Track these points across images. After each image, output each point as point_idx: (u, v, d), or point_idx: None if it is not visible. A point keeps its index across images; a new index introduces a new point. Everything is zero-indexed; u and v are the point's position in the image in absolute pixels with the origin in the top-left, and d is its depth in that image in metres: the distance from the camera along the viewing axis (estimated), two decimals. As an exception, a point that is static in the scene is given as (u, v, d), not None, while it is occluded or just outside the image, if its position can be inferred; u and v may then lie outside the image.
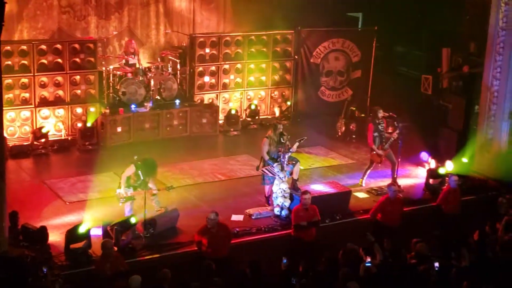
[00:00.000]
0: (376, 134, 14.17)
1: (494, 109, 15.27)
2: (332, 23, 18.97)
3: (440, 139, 16.41)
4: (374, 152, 14.26)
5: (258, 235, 12.23)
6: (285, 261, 9.90)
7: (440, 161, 14.98)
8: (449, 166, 14.78)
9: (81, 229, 11.13)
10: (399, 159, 14.40)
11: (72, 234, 11.11)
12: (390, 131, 14.61)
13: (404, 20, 19.16)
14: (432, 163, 15.00)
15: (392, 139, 14.18)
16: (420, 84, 18.75)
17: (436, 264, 9.74)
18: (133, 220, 11.51)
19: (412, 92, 18.66)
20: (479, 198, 14.33)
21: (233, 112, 17.65)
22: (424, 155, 15.61)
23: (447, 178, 13.98)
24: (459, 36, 18.10)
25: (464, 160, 15.36)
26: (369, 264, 9.64)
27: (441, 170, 14.55)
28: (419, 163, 15.66)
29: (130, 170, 12.06)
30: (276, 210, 12.85)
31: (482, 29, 15.71)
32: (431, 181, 14.46)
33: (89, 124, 16.00)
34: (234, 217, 12.61)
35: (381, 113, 14.17)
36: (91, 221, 11.77)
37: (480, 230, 11.10)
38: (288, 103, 18.63)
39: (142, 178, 11.99)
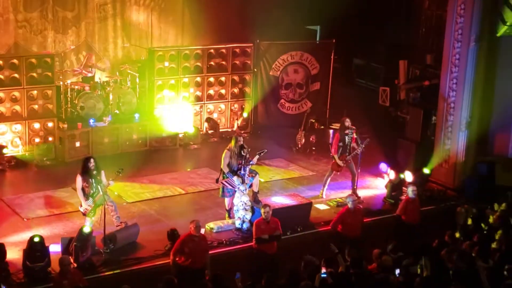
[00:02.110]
0: (340, 144, 14.26)
1: (451, 120, 15.49)
2: (290, 36, 19.09)
3: (399, 150, 16.58)
4: (334, 161, 14.34)
5: (220, 249, 12.19)
6: (238, 276, 9.84)
7: (399, 172, 15.11)
8: (408, 176, 14.93)
9: (35, 239, 10.98)
10: (359, 170, 14.51)
11: (30, 251, 10.96)
12: (353, 143, 14.66)
13: (361, 33, 19.39)
14: (391, 174, 15.14)
15: (356, 152, 14.27)
16: (378, 96, 18.98)
17: (397, 271, 9.81)
18: (86, 229, 11.35)
19: (370, 104, 18.88)
20: (438, 208, 14.48)
21: (190, 131, 17.58)
22: (383, 166, 15.74)
23: (404, 189, 14.13)
24: (416, 48, 18.39)
25: (426, 171, 15.54)
26: (325, 275, 9.67)
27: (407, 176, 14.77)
28: (379, 174, 15.79)
29: (79, 182, 11.98)
30: (237, 223, 12.83)
31: (438, 41, 15.95)
32: (392, 193, 14.61)
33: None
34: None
35: (347, 122, 14.24)
36: (49, 237, 11.64)
37: (439, 239, 11.21)
38: (245, 114, 18.63)
39: (92, 183, 11.89)
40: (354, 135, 14.35)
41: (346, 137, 14.26)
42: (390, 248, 10.93)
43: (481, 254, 10.54)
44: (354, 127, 14.38)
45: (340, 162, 14.29)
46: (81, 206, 12.08)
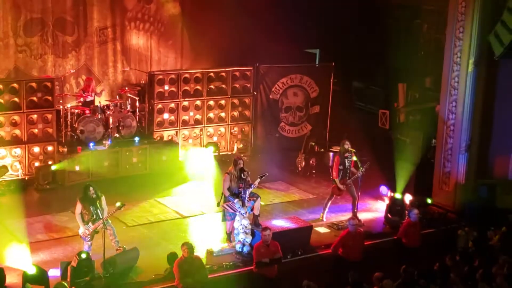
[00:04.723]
0: (341, 167, 14.24)
1: (450, 143, 15.50)
2: (290, 59, 19.15)
3: (399, 173, 16.54)
4: (335, 185, 14.32)
5: (220, 272, 12.13)
6: None
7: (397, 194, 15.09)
8: (407, 199, 14.91)
9: (30, 272, 10.97)
10: (359, 193, 14.49)
11: (28, 276, 10.93)
12: (352, 167, 14.66)
13: (360, 56, 19.45)
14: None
15: (357, 176, 14.27)
16: (378, 118, 19.00)
17: None
18: (83, 255, 11.31)
19: (370, 127, 18.86)
20: (439, 231, 14.44)
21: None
22: (383, 189, 15.73)
23: (406, 212, 14.10)
24: (415, 71, 18.43)
25: (428, 201, 15.49)
26: None
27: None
28: (379, 196, 15.77)
29: (78, 208, 12.01)
30: (238, 247, 12.79)
31: (437, 64, 15.99)
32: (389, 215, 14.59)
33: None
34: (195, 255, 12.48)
35: (347, 145, 14.25)
36: (49, 262, 11.60)
37: (440, 263, 11.17)
38: (241, 145, 18.61)
39: (92, 210, 11.87)
40: (354, 158, 14.36)
41: (346, 160, 14.26)
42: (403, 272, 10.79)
43: (484, 277, 10.50)
44: (353, 150, 14.39)
45: (341, 186, 14.28)
46: (80, 229, 12.09)
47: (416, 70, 18.56)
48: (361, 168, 14.23)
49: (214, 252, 12.73)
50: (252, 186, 12.86)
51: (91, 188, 12.03)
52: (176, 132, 18.02)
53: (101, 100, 17.68)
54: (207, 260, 12.35)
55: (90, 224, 11.92)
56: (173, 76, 17.84)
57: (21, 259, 11.95)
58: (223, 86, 18.46)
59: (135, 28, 18.82)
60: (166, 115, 17.86)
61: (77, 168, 16.03)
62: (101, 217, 11.81)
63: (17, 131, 16.03)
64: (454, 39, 15.12)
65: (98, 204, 11.95)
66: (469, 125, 15.28)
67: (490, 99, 15.31)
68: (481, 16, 14.76)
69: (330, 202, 14.59)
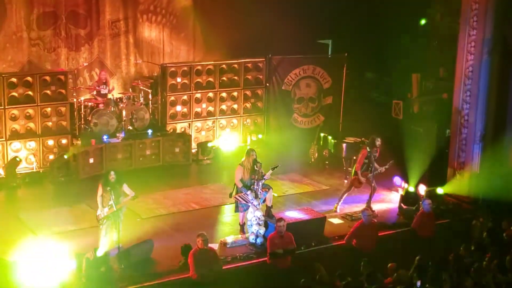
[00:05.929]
0: (366, 160, 14.18)
1: (465, 133, 15.42)
2: (302, 50, 19.10)
3: (412, 164, 16.49)
4: (356, 177, 14.27)
5: (234, 264, 12.14)
6: None
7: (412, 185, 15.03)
8: (421, 190, 14.86)
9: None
10: (373, 184, 14.45)
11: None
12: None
13: (373, 47, 19.38)
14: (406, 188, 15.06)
15: (379, 171, 14.21)
16: (391, 109, 18.95)
17: (418, 283, 9.76)
18: (99, 252, 11.35)
19: (383, 118, 18.81)
20: (453, 221, 14.38)
21: (209, 144, 17.63)
22: (397, 180, 15.66)
23: (420, 202, 14.06)
24: (429, 62, 18.34)
25: (440, 191, 15.41)
26: None
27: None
28: (393, 187, 15.72)
29: (99, 191, 12.07)
30: (251, 238, 12.80)
31: (451, 54, 15.91)
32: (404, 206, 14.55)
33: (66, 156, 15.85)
34: (209, 246, 12.51)
35: (378, 141, 14.20)
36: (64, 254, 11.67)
37: (454, 253, 11.13)
38: (260, 136, 18.60)
39: (110, 195, 11.92)
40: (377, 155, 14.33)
41: (372, 155, 14.20)
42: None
43: (499, 268, 10.46)
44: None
45: (362, 179, 14.24)
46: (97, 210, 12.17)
47: (430, 60, 18.48)
48: (385, 166, 14.19)
49: (228, 243, 12.75)
50: (265, 177, 12.86)
51: (112, 173, 12.12)
52: (189, 124, 18.04)
53: (114, 93, 17.75)
54: (220, 252, 12.36)
55: (106, 208, 11.98)
56: (185, 68, 17.85)
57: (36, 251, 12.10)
58: (236, 77, 18.46)
59: (147, 20, 18.83)
60: (178, 107, 17.89)
61: (91, 160, 16.07)
62: (114, 206, 11.83)
63: (32, 124, 16.11)
64: (468, 28, 15.01)
65: (116, 190, 11.97)
66: (484, 114, 15.19)
67: (505, 88, 15.20)
68: (495, 5, 14.64)
69: (346, 194, 14.54)
